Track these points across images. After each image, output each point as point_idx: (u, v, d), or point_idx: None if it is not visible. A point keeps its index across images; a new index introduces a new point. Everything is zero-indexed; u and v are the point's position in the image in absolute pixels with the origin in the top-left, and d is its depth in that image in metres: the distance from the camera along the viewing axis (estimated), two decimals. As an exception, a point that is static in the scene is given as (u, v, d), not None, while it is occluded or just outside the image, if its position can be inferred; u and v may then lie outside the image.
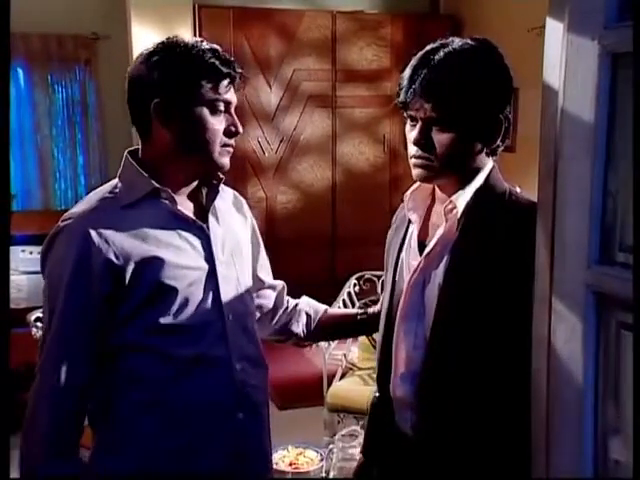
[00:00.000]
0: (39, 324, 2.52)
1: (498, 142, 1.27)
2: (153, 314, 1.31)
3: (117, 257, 1.27)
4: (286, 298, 1.69)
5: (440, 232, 1.27)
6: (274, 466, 2.20)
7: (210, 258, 1.37)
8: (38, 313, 2.58)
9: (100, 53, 5.24)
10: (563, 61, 0.90)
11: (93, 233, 1.27)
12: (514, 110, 5.41)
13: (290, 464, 2.24)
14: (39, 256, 1.34)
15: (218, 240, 1.41)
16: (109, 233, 1.28)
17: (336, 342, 3.16)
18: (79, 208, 1.35)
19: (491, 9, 5.30)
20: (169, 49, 1.34)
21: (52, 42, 5.05)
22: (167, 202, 1.35)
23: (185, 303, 1.32)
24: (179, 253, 1.33)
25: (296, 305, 1.68)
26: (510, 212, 1.23)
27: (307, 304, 1.69)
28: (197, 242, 1.37)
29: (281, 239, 5.34)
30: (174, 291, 1.31)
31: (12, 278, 4.45)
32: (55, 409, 1.30)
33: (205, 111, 1.33)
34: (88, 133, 5.22)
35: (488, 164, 1.29)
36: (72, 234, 1.29)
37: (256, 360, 1.47)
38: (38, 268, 1.35)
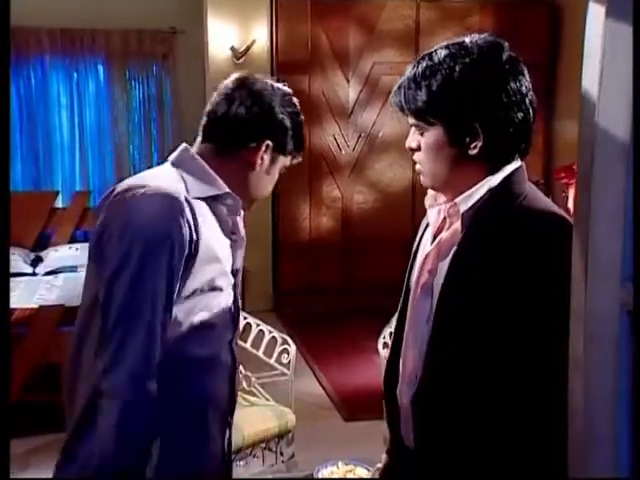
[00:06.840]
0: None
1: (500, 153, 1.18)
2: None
3: (197, 239, 1.28)
4: None
5: (444, 235, 1.23)
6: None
7: (239, 268, 1.44)
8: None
9: (176, 48, 5.23)
10: (600, 51, 0.82)
11: (186, 207, 1.26)
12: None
13: (337, 481, 2.12)
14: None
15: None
16: (196, 212, 1.29)
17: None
18: (160, 182, 1.31)
19: (593, -7, 4.85)
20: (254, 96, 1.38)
21: (131, 37, 5.09)
22: (232, 209, 1.38)
23: (220, 305, 1.36)
24: (227, 258, 1.38)
25: None
26: (516, 217, 1.17)
27: None
28: (235, 253, 1.42)
29: (357, 240, 5.16)
30: (220, 291, 1.35)
31: (82, 275, 4.47)
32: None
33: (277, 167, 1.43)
34: (163, 130, 5.22)
35: (509, 166, 1.21)
36: (164, 200, 1.26)
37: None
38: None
